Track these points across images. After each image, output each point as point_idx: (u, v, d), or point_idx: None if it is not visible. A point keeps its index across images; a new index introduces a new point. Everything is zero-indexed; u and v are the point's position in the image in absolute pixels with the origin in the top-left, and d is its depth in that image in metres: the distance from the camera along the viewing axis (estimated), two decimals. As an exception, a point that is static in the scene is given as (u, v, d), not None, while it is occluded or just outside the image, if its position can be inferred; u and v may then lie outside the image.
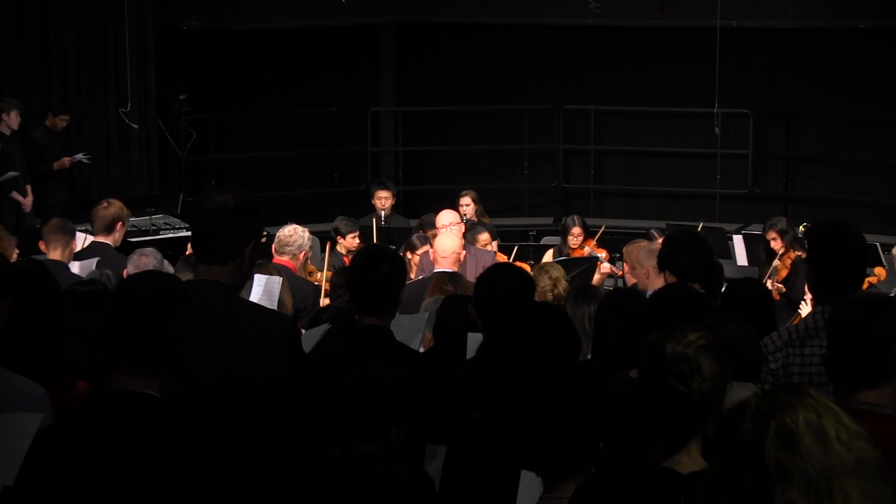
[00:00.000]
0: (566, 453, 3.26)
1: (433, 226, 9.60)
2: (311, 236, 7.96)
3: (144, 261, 6.63)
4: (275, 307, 6.02)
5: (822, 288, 4.18)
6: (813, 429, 1.99)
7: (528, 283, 4.60)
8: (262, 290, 6.24)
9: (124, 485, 2.71)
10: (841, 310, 3.26)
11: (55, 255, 7.56)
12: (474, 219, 10.78)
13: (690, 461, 2.84)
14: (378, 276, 4.26)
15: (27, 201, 11.57)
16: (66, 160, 11.95)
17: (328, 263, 8.65)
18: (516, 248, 10.10)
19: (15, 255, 7.20)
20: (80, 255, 7.94)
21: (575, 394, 3.33)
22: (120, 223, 8.18)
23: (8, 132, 11.53)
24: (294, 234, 7.64)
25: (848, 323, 3.18)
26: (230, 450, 2.79)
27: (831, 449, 1.98)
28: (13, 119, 11.54)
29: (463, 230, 9.43)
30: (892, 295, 7.85)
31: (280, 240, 7.63)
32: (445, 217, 9.34)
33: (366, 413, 3.67)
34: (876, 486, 1.98)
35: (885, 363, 3.12)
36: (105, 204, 8.29)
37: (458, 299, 5.37)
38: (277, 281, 6.35)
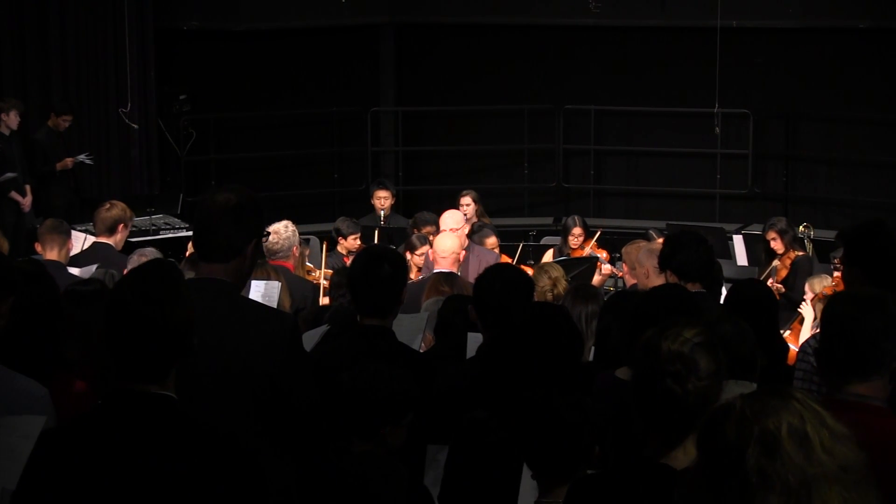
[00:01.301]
0: (562, 456, 3.25)
1: (427, 223, 9.55)
2: (296, 229, 7.74)
3: (144, 261, 6.62)
4: (274, 310, 5.96)
5: (867, 285, 4.16)
6: (796, 435, 1.97)
7: (528, 283, 4.60)
8: (261, 298, 6.17)
9: (143, 487, 2.65)
10: (833, 304, 3.32)
11: (52, 255, 7.56)
12: (475, 219, 10.76)
13: (686, 457, 2.83)
14: (379, 277, 4.25)
15: (26, 201, 11.55)
16: (68, 161, 11.94)
17: (325, 262, 8.63)
18: (521, 246, 10.08)
19: (5, 256, 7.19)
20: (82, 256, 7.94)
21: (572, 397, 3.33)
22: (122, 225, 8.20)
23: (7, 132, 11.51)
24: (278, 241, 7.46)
25: (839, 317, 3.23)
26: (248, 452, 2.76)
27: (814, 457, 1.96)
28: (12, 119, 11.52)
29: (466, 230, 9.37)
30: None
31: (268, 249, 7.44)
32: (447, 220, 9.10)
33: (360, 411, 3.66)
34: (858, 495, 1.97)
35: (875, 357, 3.16)
36: (108, 205, 8.31)
37: (458, 299, 5.37)
38: (276, 286, 6.31)
